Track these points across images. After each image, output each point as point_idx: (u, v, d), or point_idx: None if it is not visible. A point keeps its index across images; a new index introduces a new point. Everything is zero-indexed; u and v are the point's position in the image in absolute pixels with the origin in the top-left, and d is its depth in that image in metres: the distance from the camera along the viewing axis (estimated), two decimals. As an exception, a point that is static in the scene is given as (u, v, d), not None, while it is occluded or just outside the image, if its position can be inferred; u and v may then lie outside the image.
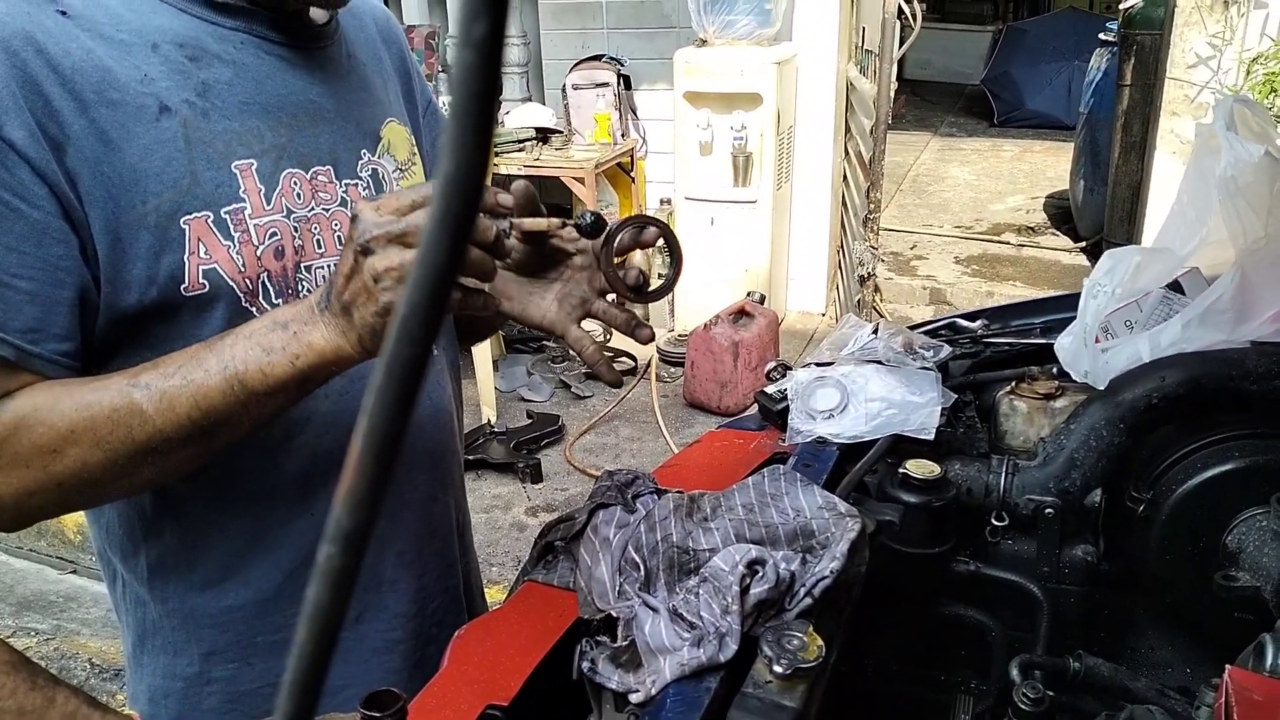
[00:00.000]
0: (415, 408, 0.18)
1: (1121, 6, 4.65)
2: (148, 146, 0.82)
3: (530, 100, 5.15)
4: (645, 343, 0.97)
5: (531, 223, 0.91)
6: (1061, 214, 6.16)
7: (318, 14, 0.96)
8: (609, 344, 4.55)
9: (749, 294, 4.02)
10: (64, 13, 0.80)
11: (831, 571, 0.80)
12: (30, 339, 0.78)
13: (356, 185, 0.97)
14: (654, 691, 0.74)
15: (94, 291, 0.82)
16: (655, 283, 0.95)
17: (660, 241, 0.94)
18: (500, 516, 3.34)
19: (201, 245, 0.84)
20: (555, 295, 0.97)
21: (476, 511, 3.29)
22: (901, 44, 4.12)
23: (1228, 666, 0.73)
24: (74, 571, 3.52)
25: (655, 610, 0.79)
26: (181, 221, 0.83)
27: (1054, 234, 5.97)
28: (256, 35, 0.90)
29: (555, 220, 0.91)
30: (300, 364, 0.77)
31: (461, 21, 0.15)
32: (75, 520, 3.46)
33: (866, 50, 4.38)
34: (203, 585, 0.97)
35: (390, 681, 1.07)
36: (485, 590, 1.32)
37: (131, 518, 0.95)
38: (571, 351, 0.99)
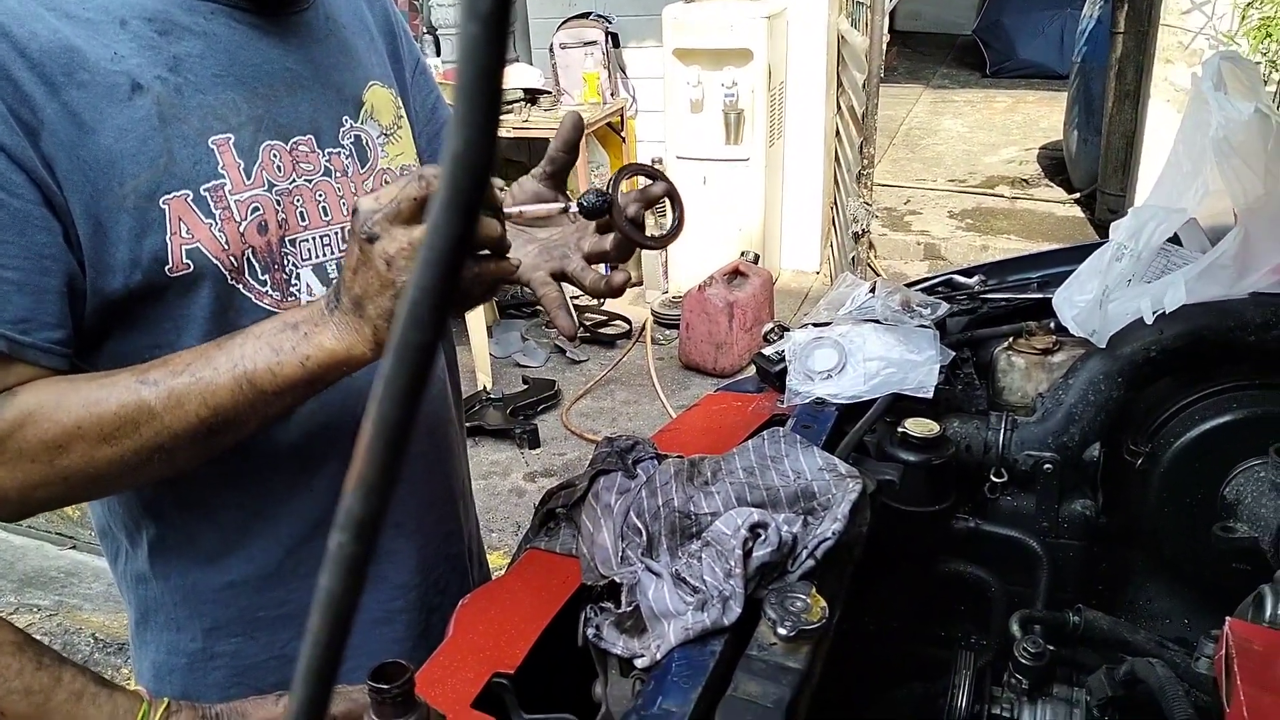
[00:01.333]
0: (425, 394, 0.18)
1: (1115, -47, 4.59)
2: (122, 127, 0.80)
3: (518, 61, 5.08)
4: (620, 287, 0.94)
5: (534, 209, 0.90)
6: (1055, 165, 6.13)
7: None
8: (603, 306, 4.55)
9: (743, 254, 4.01)
10: None
11: (833, 533, 0.80)
12: (22, 329, 0.77)
13: (339, 153, 0.95)
14: (659, 656, 0.74)
15: (80, 277, 0.80)
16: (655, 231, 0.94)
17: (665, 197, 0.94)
18: (499, 482, 3.35)
19: (183, 225, 0.83)
20: (536, 247, 0.97)
21: (475, 478, 3.28)
22: (893, -4, 4.07)
23: (1228, 618, 0.73)
24: (74, 547, 3.52)
25: (658, 575, 0.80)
26: (161, 202, 0.82)
27: (1048, 186, 5.94)
28: (226, 4, 0.88)
29: (558, 205, 0.90)
30: (310, 364, 0.76)
31: (466, -7, 0.14)
32: (74, 494, 3.46)
33: (857, 3, 4.33)
34: (204, 561, 0.97)
35: (394, 651, 1.08)
36: (487, 558, 1.32)
37: (131, 496, 0.95)
38: (537, 300, 0.97)
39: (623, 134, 4.84)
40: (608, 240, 0.93)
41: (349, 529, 0.18)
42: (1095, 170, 5.04)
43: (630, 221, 0.89)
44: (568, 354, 4.18)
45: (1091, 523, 1.13)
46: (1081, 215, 5.37)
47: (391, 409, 0.17)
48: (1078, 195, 5.53)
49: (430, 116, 1.15)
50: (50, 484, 0.79)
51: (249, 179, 0.87)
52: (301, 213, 0.91)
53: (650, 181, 0.92)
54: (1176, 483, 1.09)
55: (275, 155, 0.89)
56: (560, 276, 0.95)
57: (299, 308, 0.79)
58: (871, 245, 4.69)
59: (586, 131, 4.38)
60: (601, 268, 0.94)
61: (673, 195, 0.93)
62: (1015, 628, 1.01)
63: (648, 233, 0.91)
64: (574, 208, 0.87)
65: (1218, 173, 1.00)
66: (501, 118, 0.15)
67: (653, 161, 4.80)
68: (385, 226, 0.71)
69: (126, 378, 0.78)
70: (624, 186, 0.90)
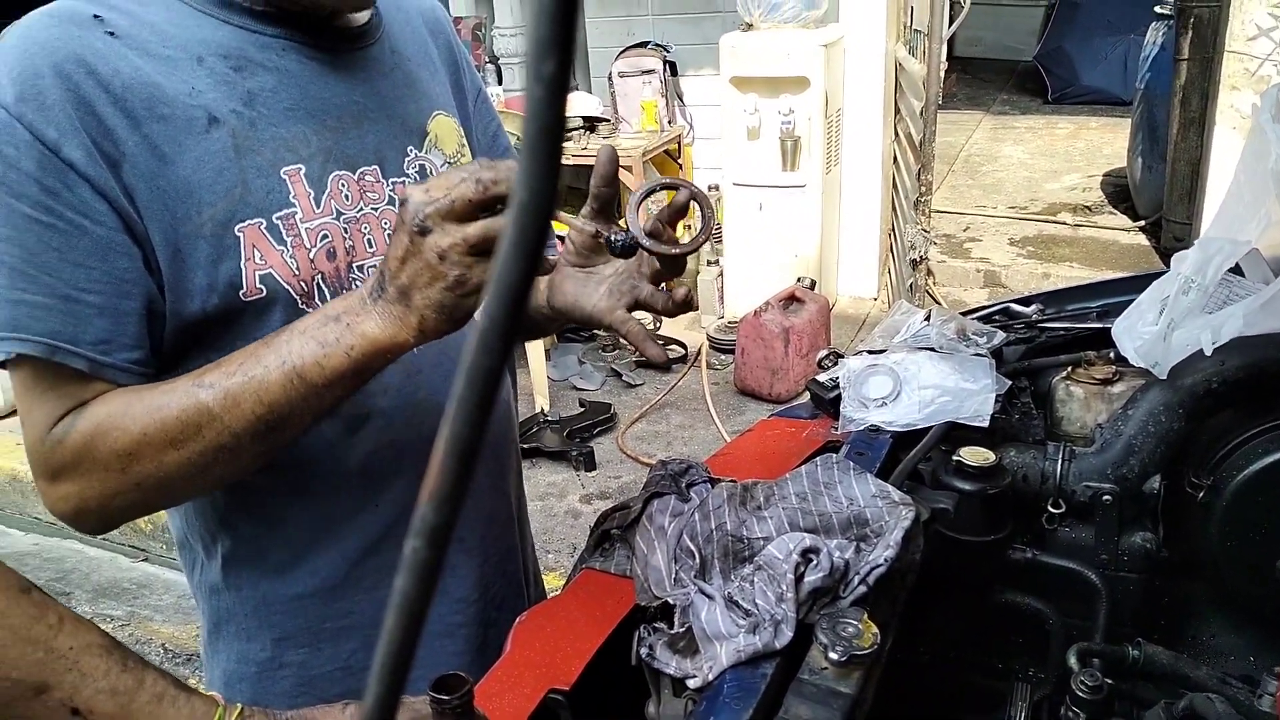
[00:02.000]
0: (492, 413, 0.20)
1: (1179, -22, 4.53)
2: (199, 158, 0.85)
3: (577, 89, 5.17)
4: (685, 300, 0.95)
5: (569, 220, 0.92)
6: (1119, 192, 6.03)
7: (358, 16, 0.98)
8: (659, 331, 4.57)
9: (799, 279, 4.00)
10: (112, 33, 0.83)
11: (886, 560, 0.81)
12: (102, 350, 0.82)
13: (403, 182, 0.99)
14: (711, 677, 0.75)
15: (160, 300, 0.85)
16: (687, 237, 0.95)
17: (691, 202, 0.94)
18: (555, 504, 3.37)
19: (256, 251, 0.87)
20: (606, 287, 0.99)
21: (532, 499, 3.33)
22: (951, 22, 4.06)
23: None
24: (146, 559, 3.63)
25: (711, 598, 0.81)
26: (236, 229, 0.86)
27: (1112, 213, 5.84)
28: (297, 41, 0.92)
29: (591, 227, 0.91)
30: (355, 354, 0.78)
31: (530, 59, 0.16)
32: (144, 510, 3.56)
33: (915, 30, 4.32)
34: (273, 574, 1.01)
35: (454, 664, 1.10)
36: (542, 576, 1.34)
37: (207, 511, 0.99)
38: (621, 337, 0.98)
39: (680, 161, 4.88)
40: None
41: (424, 535, 0.20)
42: (1160, 198, 4.95)
43: (655, 238, 0.89)
44: (624, 378, 4.21)
45: (1152, 556, 1.12)
46: (1146, 243, 5.26)
47: (462, 427, 0.19)
48: (1142, 223, 5.42)
49: (491, 144, 1.19)
50: (126, 492, 0.83)
51: (318, 207, 0.91)
52: (368, 240, 0.95)
53: (674, 192, 0.93)
54: (1239, 517, 1.07)
55: (343, 185, 0.93)
56: (635, 307, 0.96)
57: (338, 299, 0.81)
58: (930, 272, 4.65)
59: (645, 158, 4.43)
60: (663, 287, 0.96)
61: (697, 197, 0.93)
62: (1073, 660, 1.00)
63: (681, 240, 0.93)
64: (604, 243, 0.89)
65: (1278, 204, 0.99)
66: (561, 164, 0.17)
67: (709, 188, 4.83)
68: (438, 221, 0.73)
69: (185, 383, 0.81)
70: (658, 199, 0.92)
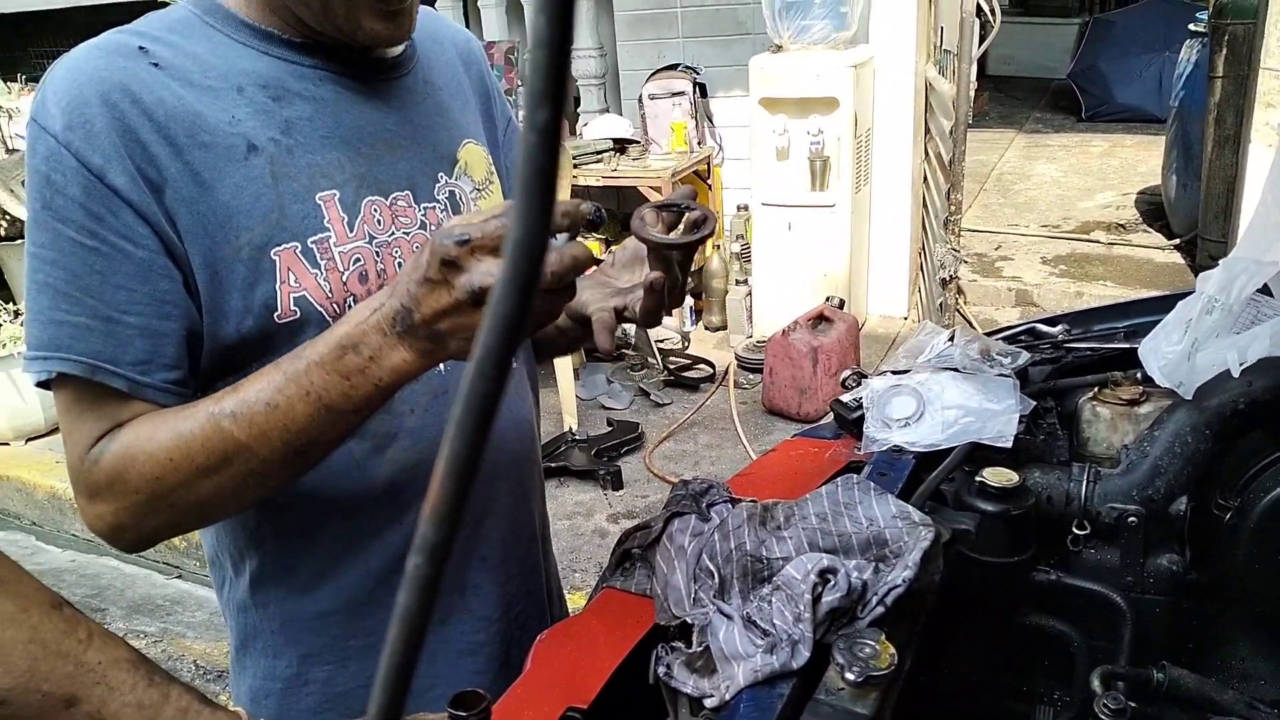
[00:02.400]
0: (490, 435, 0.21)
1: (1213, -5, 4.49)
2: (238, 184, 0.87)
3: (608, 111, 5.21)
4: (675, 290, 0.92)
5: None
6: (1154, 211, 5.97)
7: (392, 48, 1.00)
8: (687, 350, 4.58)
9: (828, 299, 4.00)
10: (156, 64, 0.87)
11: (904, 580, 0.81)
12: (141, 370, 0.84)
13: (435, 208, 1.01)
14: (728, 697, 0.76)
15: (199, 322, 0.87)
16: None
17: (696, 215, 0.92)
18: (582, 523, 3.38)
19: (291, 274, 0.89)
20: (608, 291, 0.99)
21: (559, 518, 3.35)
22: (981, 42, 4.06)
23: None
24: (179, 576, 3.68)
25: (729, 617, 0.81)
26: (272, 253, 0.88)
27: (1146, 231, 5.78)
28: (334, 71, 0.95)
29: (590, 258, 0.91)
30: (384, 384, 0.79)
31: (528, 107, 0.18)
32: (179, 527, 3.62)
33: (945, 50, 4.32)
34: (300, 591, 1.02)
35: (476, 682, 1.11)
36: (569, 596, 1.35)
37: (237, 529, 1.01)
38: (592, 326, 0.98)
39: (709, 182, 4.90)
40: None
41: (424, 552, 0.22)
42: (1195, 216, 4.89)
43: (653, 232, 0.89)
44: (652, 397, 4.22)
45: (1179, 578, 1.10)
46: (1182, 262, 5.20)
47: (461, 448, 0.20)
48: (1177, 241, 5.36)
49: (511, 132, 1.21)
50: (159, 513, 0.85)
51: (351, 232, 0.93)
52: (399, 263, 0.97)
53: (675, 207, 0.92)
54: (1267, 538, 1.06)
55: (376, 210, 0.96)
56: (621, 310, 0.95)
57: (344, 324, 0.79)
58: (961, 291, 4.63)
59: (675, 179, 4.46)
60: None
61: (695, 209, 0.92)
62: (1096, 683, 0.99)
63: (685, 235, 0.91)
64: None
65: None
66: (554, 203, 0.18)
67: (738, 208, 4.84)
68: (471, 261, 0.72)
69: (205, 409, 0.82)
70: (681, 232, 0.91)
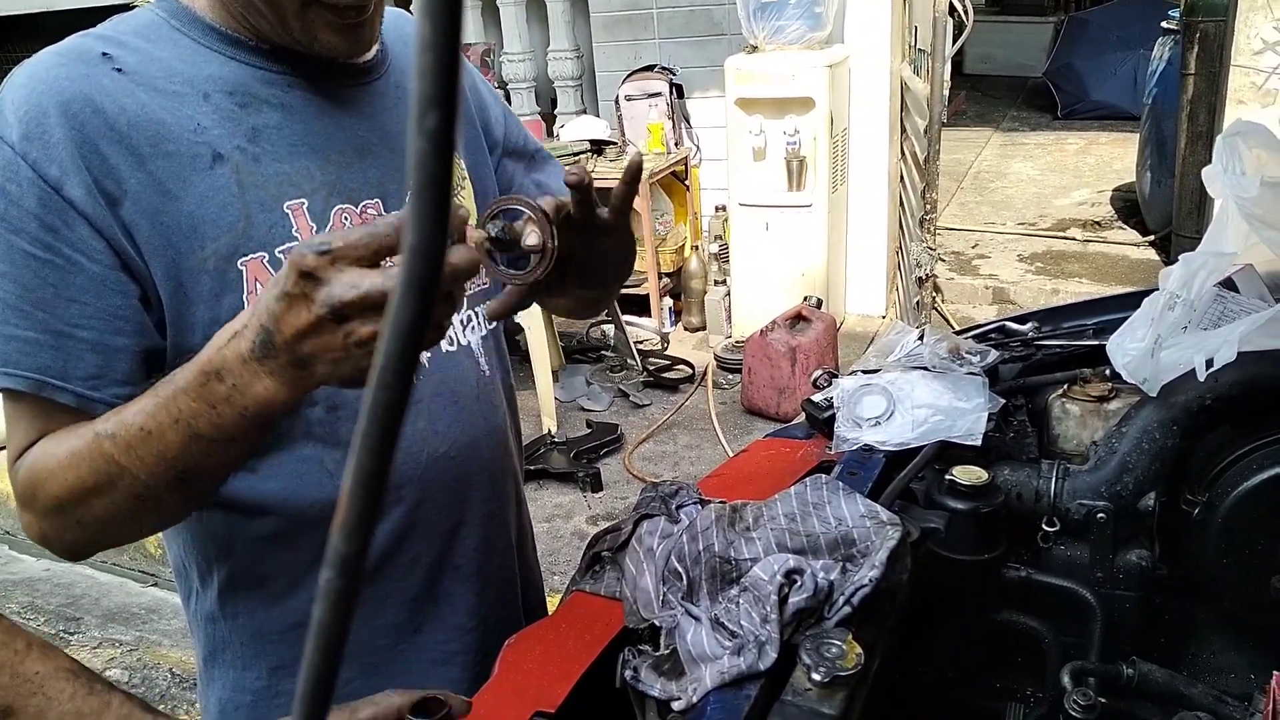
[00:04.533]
0: (397, 445, 0.21)
1: (1184, -7, 4.54)
2: (203, 194, 0.86)
3: (584, 113, 5.21)
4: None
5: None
6: (1129, 207, 6.01)
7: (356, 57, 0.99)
8: (666, 351, 4.58)
9: (806, 298, 4.01)
10: (120, 70, 0.85)
11: (871, 580, 0.81)
12: (92, 385, 0.83)
13: None
14: (695, 699, 0.76)
15: (155, 336, 0.86)
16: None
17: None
18: (561, 526, 3.37)
19: (259, 285, 0.88)
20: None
21: (538, 521, 3.34)
22: (956, 41, 4.07)
23: (1275, 672, 0.72)
24: (155, 584, 3.65)
25: (697, 619, 0.81)
26: (239, 263, 0.87)
27: (1121, 228, 5.82)
28: (302, 77, 0.94)
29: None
30: (250, 413, 0.73)
31: (415, 112, 0.17)
32: (156, 535, 3.59)
33: (919, 49, 4.34)
34: (271, 602, 1.01)
35: (451, 692, 1.10)
36: (546, 603, 1.34)
37: (205, 539, 1.00)
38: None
39: (687, 182, 4.90)
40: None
41: (335, 565, 0.21)
42: (1169, 212, 4.93)
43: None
44: (631, 398, 4.21)
45: (1148, 574, 1.11)
46: (1156, 258, 5.24)
47: (367, 460, 0.20)
48: (1152, 238, 5.41)
49: (523, 145, 1.21)
50: (74, 529, 0.84)
51: None
52: None
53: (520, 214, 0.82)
54: (1235, 533, 1.06)
55: (346, 218, 0.95)
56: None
57: (209, 349, 0.74)
58: (938, 289, 4.65)
59: (651, 180, 4.46)
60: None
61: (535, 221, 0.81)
62: (1066, 679, 0.99)
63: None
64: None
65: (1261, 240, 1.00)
66: (450, 210, 0.18)
67: (715, 209, 4.85)
68: (358, 311, 0.66)
69: (92, 430, 0.80)
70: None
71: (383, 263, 0.67)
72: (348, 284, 0.64)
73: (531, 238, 0.79)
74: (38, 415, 0.84)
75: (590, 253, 0.88)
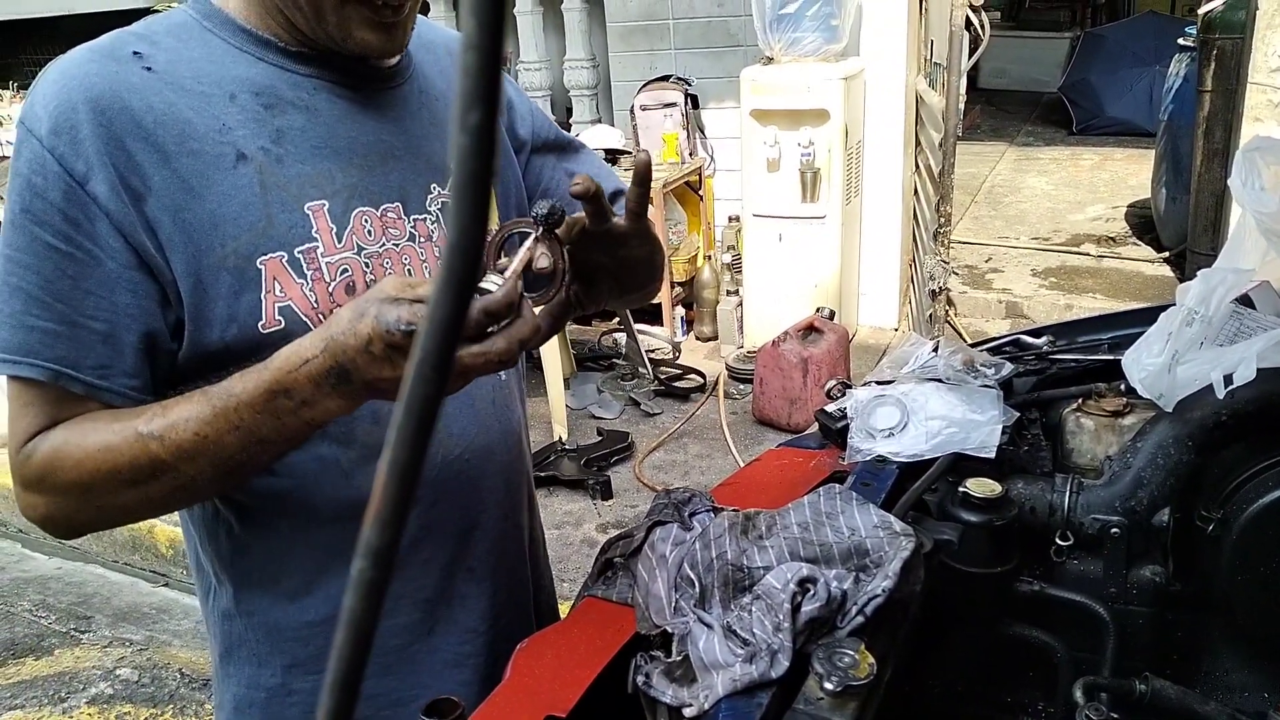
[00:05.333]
0: (432, 439, 0.21)
1: (1200, 10, 4.52)
2: (226, 193, 0.87)
3: (600, 122, 5.22)
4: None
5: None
6: (1144, 223, 5.99)
7: (386, 58, 1.00)
8: (678, 360, 4.58)
9: (818, 309, 4.00)
10: (149, 69, 0.87)
11: (884, 590, 0.81)
12: (100, 374, 0.85)
13: (425, 220, 1.01)
14: (706, 706, 0.76)
15: (162, 335, 0.88)
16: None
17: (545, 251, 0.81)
18: (571, 533, 3.38)
19: (277, 284, 0.89)
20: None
21: (548, 528, 3.33)
22: (971, 55, 4.08)
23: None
24: (166, 584, 3.66)
25: (709, 626, 0.81)
26: (258, 262, 0.88)
27: (1136, 244, 5.81)
28: (328, 80, 0.95)
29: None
30: (316, 423, 0.81)
31: (458, 110, 0.18)
32: (168, 535, 3.61)
33: (935, 63, 4.34)
34: (286, 600, 1.02)
35: (461, 694, 1.10)
36: (558, 608, 1.35)
37: (221, 538, 1.01)
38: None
39: (700, 193, 4.91)
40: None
41: (368, 556, 0.21)
42: (1184, 229, 4.91)
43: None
44: (642, 407, 4.22)
45: (1161, 589, 1.11)
46: (1171, 275, 5.23)
47: (402, 454, 0.20)
48: (1167, 254, 5.39)
49: (552, 139, 1.22)
50: (86, 512, 0.87)
51: (340, 242, 0.93)
52: (388, 274, 0.97)
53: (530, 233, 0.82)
54: (1250, 550, 1.06)
55: (366, 221, 0.95)
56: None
57: (272, 366, 0.79)
58: (951, 303, 4.64)
59: (665, 190, 4.47)
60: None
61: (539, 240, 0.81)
62: (1079, 694, 0.99)
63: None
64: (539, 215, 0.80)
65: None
66: (489, 208, 0.18)
67: (729, 219, 4.85)
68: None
69: (133, 429, 0.82)
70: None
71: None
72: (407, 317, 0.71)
73: (543, 260, 0.80)
74: (49, 402, 0.86)
75: (616, 260, 0.90)
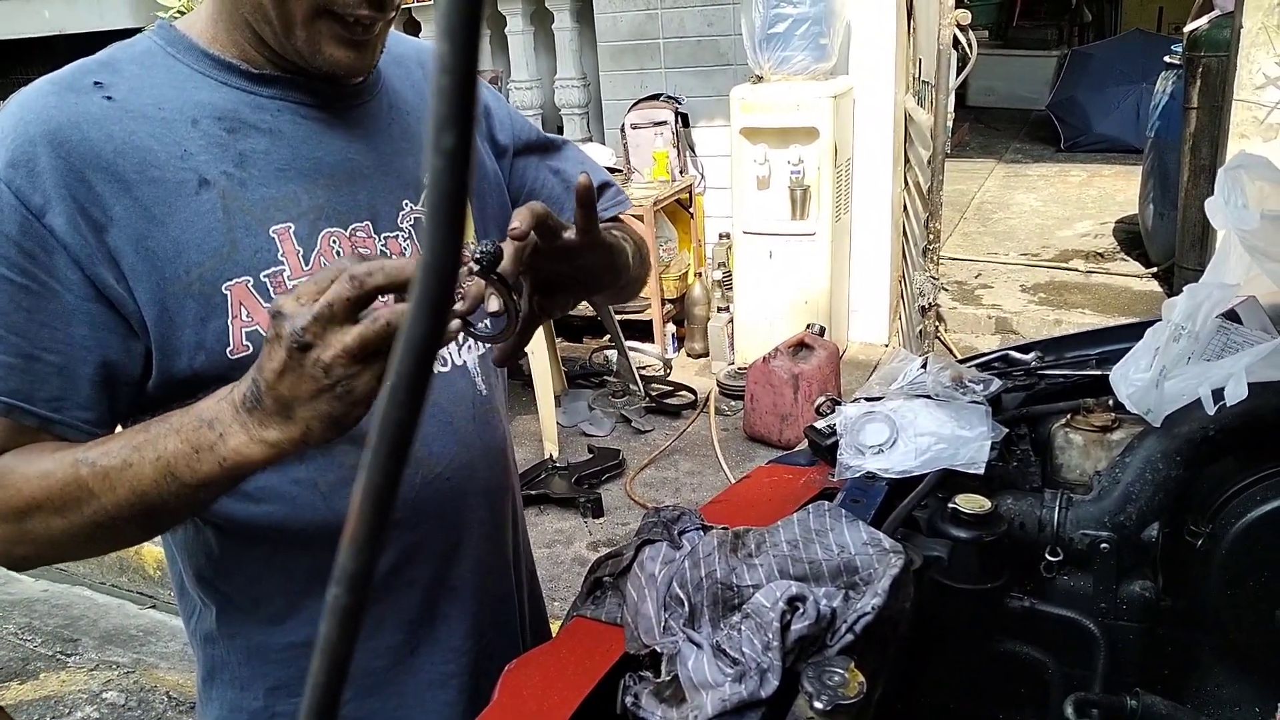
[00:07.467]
0: (407, 463, 0.21)
1: (1186, 29, 4.57)
2: (188, 219, 0.87)
3: (590, 140, 5.24)
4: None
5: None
6: (1132, 239, 6.03)
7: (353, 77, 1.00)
8: (669, 377, 4.58)
9: (809, 326, 4.01)
10: (110, 98, 0.86)
11: (873, 608, 0.81)
12: (54, 407, 0.84)
13: (396, 237, 1.00)
14: (696, 726, 0.75)
15: (123, 368, 0.87)
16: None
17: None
18: (562, 551, 3.36)
19: (243, 309, 0.89)
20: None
21: (539, 546, 3.32)
22: (959, 73, 4.10)
23: (1280, 705, 0.71)
24: (153, 606, 3.63)
25: (698, 646, 0.81)
26: (224, 288, 0.88)
27: (1124, 260, 5.84)
28: (293, 101, 0.94)
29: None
30: (228, 465, 0.76)
31: (432, 131, 0.18)
32: (155, 556, 3.58)
33: (923, 81, 4.37)
34: (268, 623, 1.01)
35: (445, 714, 1.10)
36: (549, 625, 1.34)
37: (202, 560, 1.00)
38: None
39: (691, 210, 4.92)
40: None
41: (343, 582, 0.21)
42: (1172, 245, 4.94)
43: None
44: (633, 424, 4.21)
45: (1151, 605, 1.10)
46: (1159, 290, 5.26)
47: (377, 477, 0.20)
48: (1154, 270, 5.42)
49: (534, 140, 1.21)
50: (23, 543, 0.84)
51: (307, 265, 0.92)
52: None
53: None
54: (1240, 564, 1.06)
55: (334, 241, 0.95)
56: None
57: (213, 399, 0.77)
58: (941, 319, 4.66)
59: (656, 208, 4.48)
60: None
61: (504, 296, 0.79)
62: (1070, 711, 0.99)
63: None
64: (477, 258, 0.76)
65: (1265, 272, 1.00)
66: (464, 228, 0.18)
67: (720, 236, 4.86)
68: (317, 332, 0.69)
69: (71, 454, 0.81)
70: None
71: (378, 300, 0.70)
72: (305, 313, 0.69)
73: (493, 303, 0.78)
74: (2, 433, 0.85)
75: (574, 269, 0.89)
